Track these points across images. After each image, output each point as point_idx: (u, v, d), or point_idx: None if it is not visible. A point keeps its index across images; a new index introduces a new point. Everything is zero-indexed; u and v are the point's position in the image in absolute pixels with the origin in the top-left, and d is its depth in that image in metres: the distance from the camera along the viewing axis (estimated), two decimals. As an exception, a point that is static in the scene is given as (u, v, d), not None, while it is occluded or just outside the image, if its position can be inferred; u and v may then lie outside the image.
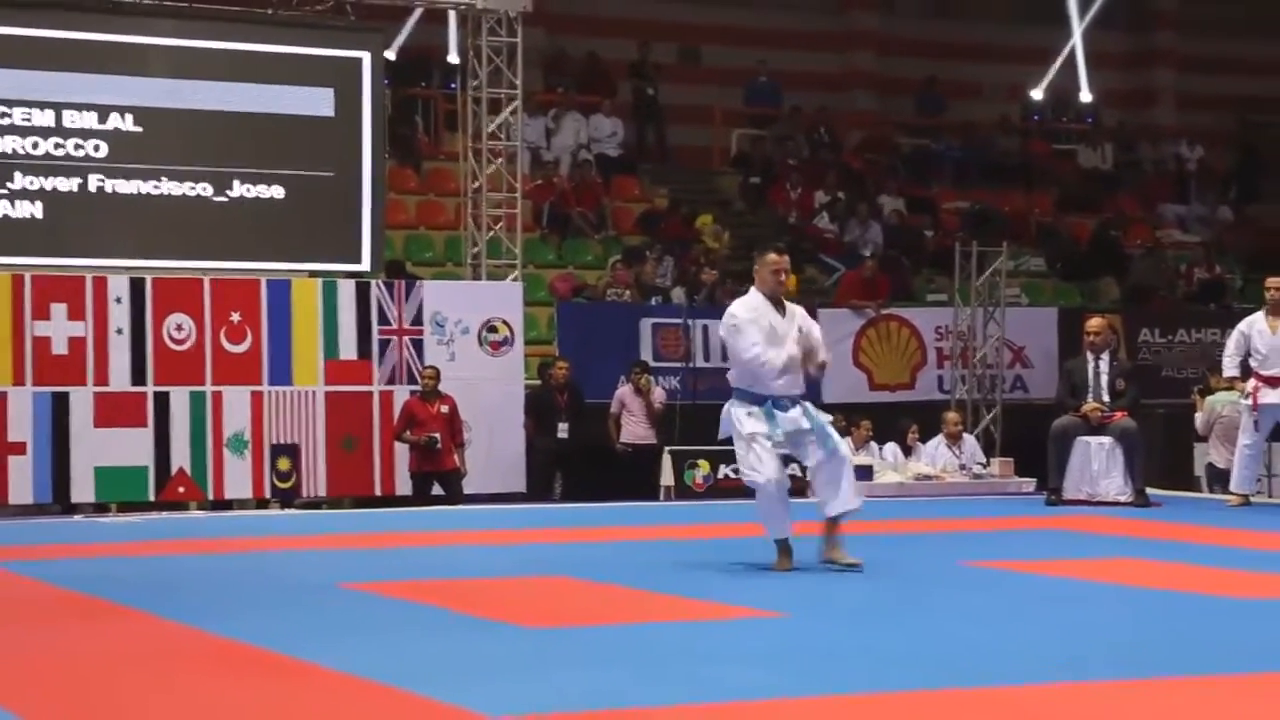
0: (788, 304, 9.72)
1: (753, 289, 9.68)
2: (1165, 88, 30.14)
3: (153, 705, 6.09)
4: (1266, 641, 7.24)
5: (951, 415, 17.45)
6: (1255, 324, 14.33)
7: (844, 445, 9.62)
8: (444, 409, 15.96)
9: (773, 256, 9.65)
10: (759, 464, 9.46)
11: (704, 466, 17.05)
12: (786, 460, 9.85)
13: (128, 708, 6.07)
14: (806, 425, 9.47)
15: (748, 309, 9.58)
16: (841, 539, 9.53)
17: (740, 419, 9.52)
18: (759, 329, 9.47)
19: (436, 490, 16.03)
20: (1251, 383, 14.26)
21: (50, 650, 7.17)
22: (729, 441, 9.78)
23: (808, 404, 9.56)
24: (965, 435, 17.31)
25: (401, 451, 16.10)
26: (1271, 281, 14.60)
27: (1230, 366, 14.62)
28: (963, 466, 16.66)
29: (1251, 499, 14.47)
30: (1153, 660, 6.72)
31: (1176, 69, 30.14)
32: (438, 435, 15.81)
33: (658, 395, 17.46)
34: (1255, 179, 27.83)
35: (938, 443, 16.96)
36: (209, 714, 5.90)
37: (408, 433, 15.92)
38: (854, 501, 9.48)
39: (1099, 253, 23.78)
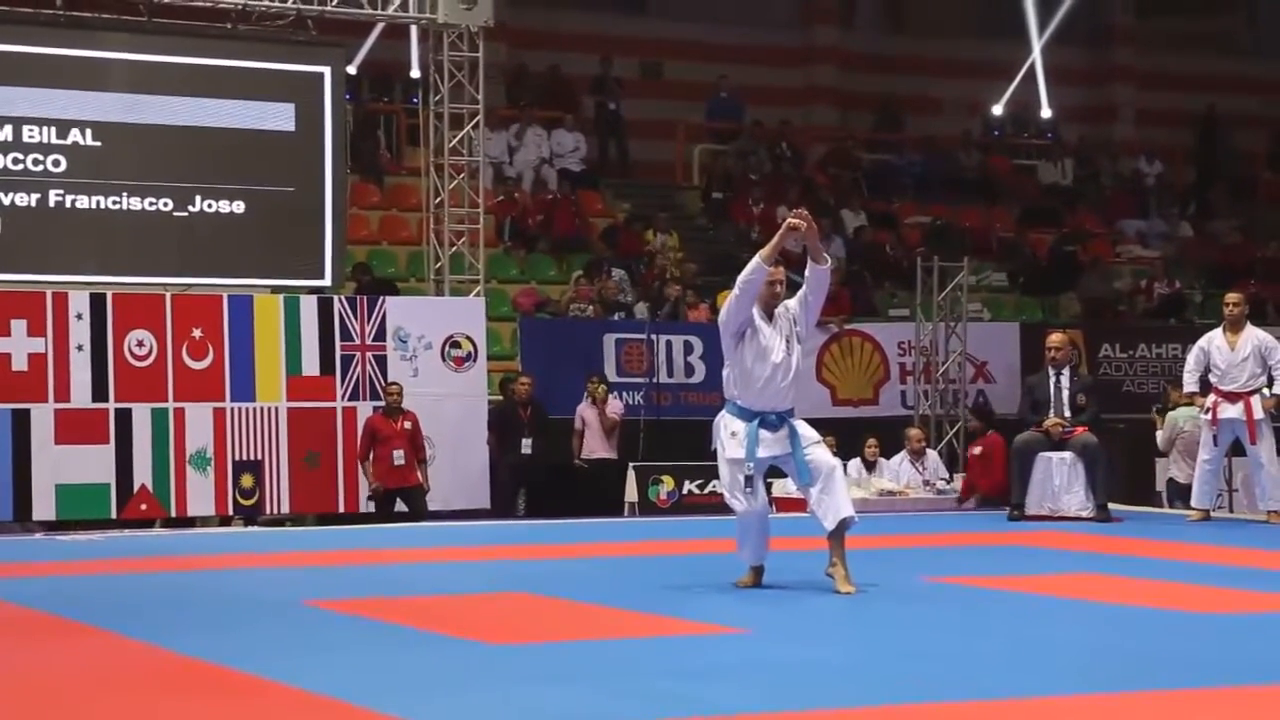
0: (775, 311, 9.55)
1: None
2: (1125, 103, 30.30)
3: (115, 726, 6.07)
4: (1228, 656, 7.27)
5: (914, 431, 17.48)
6: (1214, 339, 14.40)
7: (828, 459, 9.49)
8: (407, 425, 15.92)
9: (768, 268, 9.58)
10: (741, 493, 9.35)
11: (668, 482, 17.06)
12: (778, 472, 9.76)
13: (90, 728, 6.05)
14: (788, 450, 9.35)
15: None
16: (843, 559, 9.28)
17: (725, 441, 9.41)
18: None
19: (400, 507, 15.99)
20: (1211, 398, 14.34)
21: (10, 669, 7.12)
22: (703, 456, 9.69)
23: (795, 422, 9.40)
24: (928, 450, 17.34)
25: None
26: (1230, 297, 14.73)
27: (1190, 382, 14.69)
28: (926, 482, 16.69)
29: (1212, 514, 14.55)
30: (1115, 675, 6.74)
31: (1136, 84, 30.32)
32: (382, 485, 15.76)
33: (614, 407, 17.43)
34: (1214, 194, 27.97)
35: (901, 458, 16.98)
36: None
37: (369, 463, 15.83)
38: (845, 510, 9.31)
39: (1059, 268, 23.87)
